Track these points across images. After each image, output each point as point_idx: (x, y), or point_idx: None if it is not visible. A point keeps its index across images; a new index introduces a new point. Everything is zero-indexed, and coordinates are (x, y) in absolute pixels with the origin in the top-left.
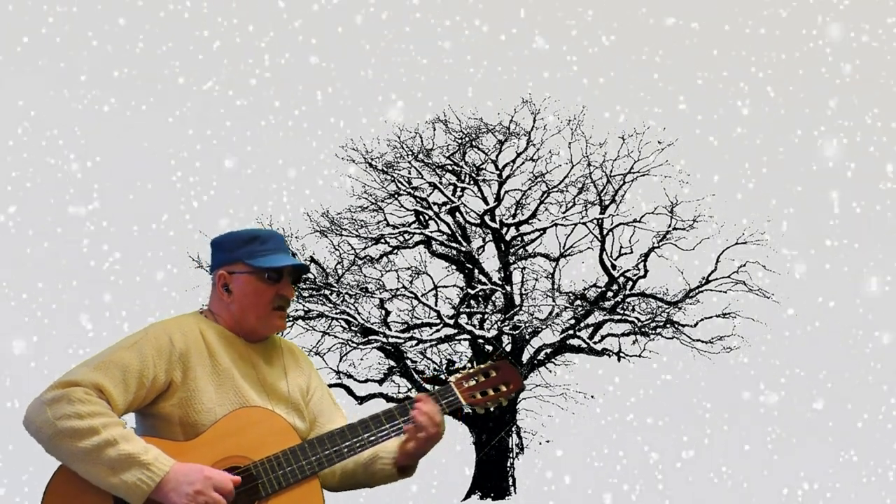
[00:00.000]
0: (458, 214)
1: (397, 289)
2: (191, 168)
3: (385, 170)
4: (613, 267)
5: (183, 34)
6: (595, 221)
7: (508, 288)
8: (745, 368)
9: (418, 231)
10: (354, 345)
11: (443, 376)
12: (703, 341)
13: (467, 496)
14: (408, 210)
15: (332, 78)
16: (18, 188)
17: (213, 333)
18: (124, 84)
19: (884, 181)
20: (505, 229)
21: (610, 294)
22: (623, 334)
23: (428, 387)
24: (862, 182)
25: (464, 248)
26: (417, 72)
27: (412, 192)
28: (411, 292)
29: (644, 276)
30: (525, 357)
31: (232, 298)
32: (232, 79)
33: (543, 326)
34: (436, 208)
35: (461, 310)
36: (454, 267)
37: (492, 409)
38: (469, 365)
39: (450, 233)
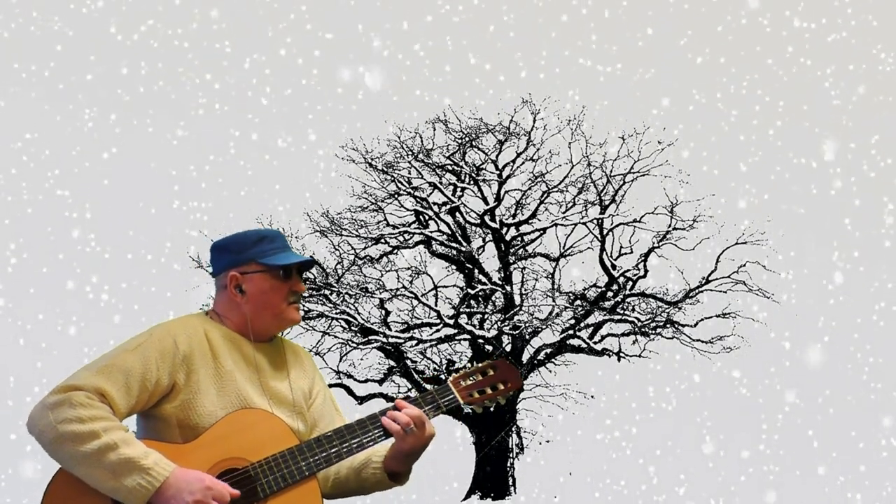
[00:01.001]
0: (458, 214)
1: (397, 289)
2: (191, 169)
3: (385, 170)
4: (613, 267)
5: (183, 35)
6: (595, 221)
7: (508, 288)
8: (745, 393)
9: (418, 231)
10: (354, 345)
11: (443, 376)
12: (703, 341)
13: (467, 496)
14: (408, 210)
15: (332, 77)
16: (17, 191)
17: (218, 335)
18: (123, 82)
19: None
20: (505, 229)
21: (610, 294)
22: (623, 334)
23: (427, 386)
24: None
25: (464, 248)
26: (418, 72)
27: (412, 192)
28: (411, 292)
29: (644, 276)
30: (525, 357)
31: (245, 298)
32: (233, 81)
33: (543, 326)
34: (436, 208)
35: (461, 310)
36: (454, 267)
37: (491, 407)
38: (469, 365)
39: (450, 233)
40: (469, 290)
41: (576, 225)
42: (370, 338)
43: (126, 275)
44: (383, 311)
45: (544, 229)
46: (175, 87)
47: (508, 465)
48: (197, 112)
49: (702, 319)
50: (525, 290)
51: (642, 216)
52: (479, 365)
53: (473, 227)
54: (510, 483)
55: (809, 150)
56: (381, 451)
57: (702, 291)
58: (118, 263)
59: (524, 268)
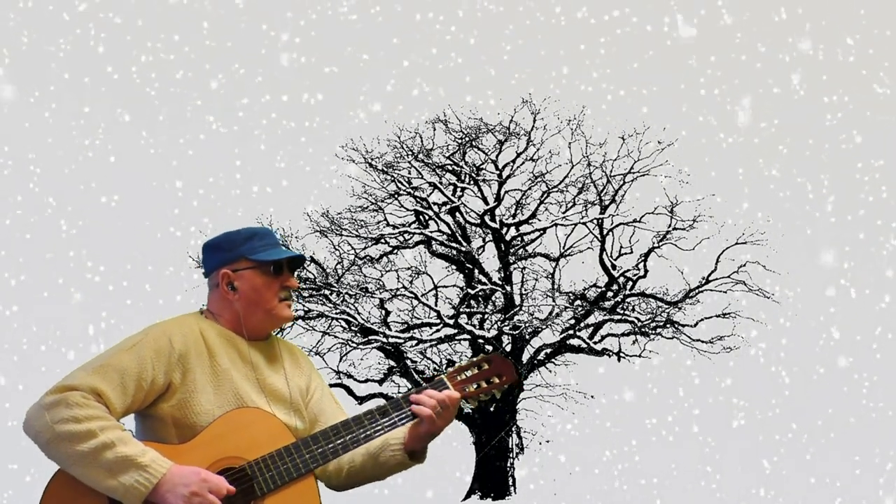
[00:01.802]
0: (458, 214)
1: (397, 289)
2: (191, 169)
3: (385, 170)
4: (613, 267)
5: (183, 34)
6: (595, 221)
7: (508, 288)
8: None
9: (418, 231)
10: (354, 345)
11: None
12: (703, 341)
13: (467, 496)
14: (408, 210)
15: (332, 77)
16: (19, 189)
17: (214, 334)
18: (123, 84)
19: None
20: (505, 229)
21: (610, 294)
22: (623, 334)
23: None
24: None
25: (464, 248)
26: (418, 70)
27: (412, 192)
28: (411, 292)
29: (644, 276)
30: (525, 357)
31: (237, 296)
32: (233, 80)
33: (543, 326)
34: (436, 208)
35: (461, 310)
36: (454, 267)
37: (485, 399)
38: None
39: (450, 233)
40: (469, 290)
41: (576, 225)
42: (370, 338)
43: (128, 291)
44: (383, 311)
45: (544, 229)
46: (175, 94)
47: (508, 465)
48: (194, 109)
49: (702, 319)
50: (525, 290)
51: (642, 216)
52: (474, 360)
53: (473, 227)
54: (510, 483)
55: (809, 149)
56: (398, 434)
57: (702, 291)
58: (118, 271)
59: (524, 268)
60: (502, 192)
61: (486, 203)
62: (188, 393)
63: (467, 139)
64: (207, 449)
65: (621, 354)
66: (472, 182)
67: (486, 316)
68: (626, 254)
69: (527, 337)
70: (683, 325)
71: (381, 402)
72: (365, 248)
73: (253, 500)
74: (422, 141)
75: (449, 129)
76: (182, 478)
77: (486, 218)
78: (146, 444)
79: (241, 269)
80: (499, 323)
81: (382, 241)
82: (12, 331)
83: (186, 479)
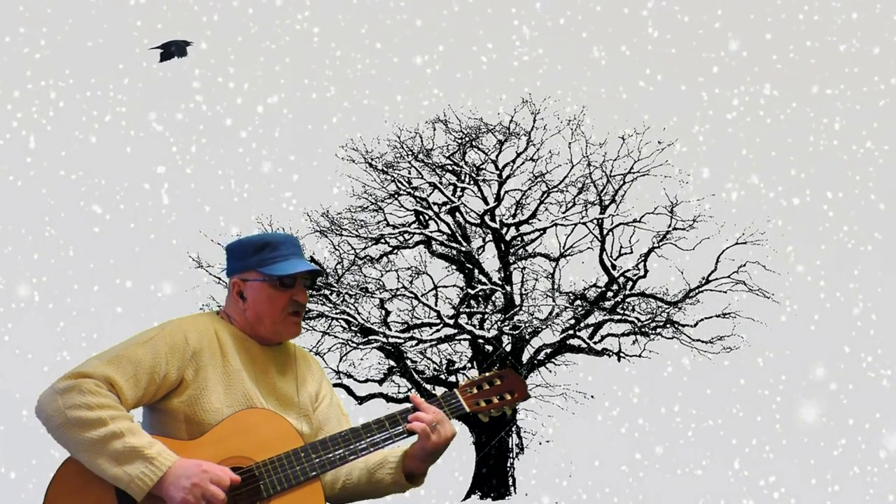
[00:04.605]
0: (458, 214)
1: (397, 289)
2: (190, 168)
3: (385, 170)
4: (613, 267)
5: (183, 32)
6: (595, 221)
7: (508, 288)
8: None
9: (418, 231)
10: (354, 345)
11: (443, 376)
12: (703, 341)
13: (467, 496)
14: (408, 210)
15: (332, 77)
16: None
17: (228, 335)
18: (123, 82)
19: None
20: (505, 229)
21: (610, 294)
22: (623, 334)
23: (428, 387)
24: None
25: (464, 248)
26: (417, 71)
27: (412, 192)
28: (411, 292)
29: (644, 276)
30: (525, 357)
31: (246, 305)
32: (233, 78)
33: (543, 326)
34: (436, 208)
35: (461, 310)
36: (454, 267)
37: (495, 415)
38: (469, 365)
39: (450, 233)
40: (469, 290)
41: (576, 225)
42: (370, 338)
43: (127, 292)
44: (383, 311)
45: (544, 229)
46: (174, 93)
47: (508, 465)
48: (189, 104)
49: (702, 319)
50: (525, 290)
51: (642, 216)
52: (487, 374)
53: (473, 227)
54: (510, 483)
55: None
56: (397, 452)
57: (702, 291)
58: (120, 272)
59: (524, 268)
60: (502, 192)
61: (486, 203)
62: (199, 390)
63: (467, 139)
64: (216, 447)
65: (621, 354)
66: (472, 182)
67: (486, 316)
68: (626, 254)
69: (527, 337)
70: (683, 325)
71: (386, 403)
72: (365, 248)
73: (259, 502)
74: (422, 141)
75: (449, 129)
76: (184, 471)
77: (486, 218)
78: (155, 438)
79: (250, 280)
80: (499, 323)
81: (382, 241)
82: (9, 332)
83: (188, 471)
